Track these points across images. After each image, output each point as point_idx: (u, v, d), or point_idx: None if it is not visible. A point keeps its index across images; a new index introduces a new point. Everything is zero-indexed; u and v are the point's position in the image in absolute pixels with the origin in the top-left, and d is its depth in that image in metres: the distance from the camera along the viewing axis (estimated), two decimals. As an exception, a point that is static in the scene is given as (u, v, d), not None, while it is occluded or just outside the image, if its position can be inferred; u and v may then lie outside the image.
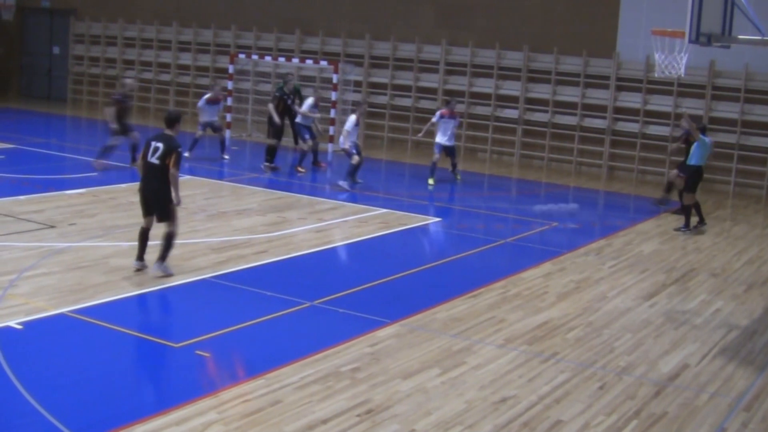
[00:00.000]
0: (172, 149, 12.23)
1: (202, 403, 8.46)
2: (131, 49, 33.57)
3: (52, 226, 14.90)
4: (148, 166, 12.38)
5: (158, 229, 12.61)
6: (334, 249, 15.07)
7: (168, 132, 12.50)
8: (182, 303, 11.85)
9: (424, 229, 17.03)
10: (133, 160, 20.39)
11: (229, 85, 27.89)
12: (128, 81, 21.86)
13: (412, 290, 12.91)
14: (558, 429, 8.46)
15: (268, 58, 28.40)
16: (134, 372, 9.37)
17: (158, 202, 12.45)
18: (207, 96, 23.29)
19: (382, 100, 28.36)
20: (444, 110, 21.84)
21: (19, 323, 10.29)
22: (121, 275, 12.41)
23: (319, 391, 8.92)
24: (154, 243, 12.57)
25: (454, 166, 21.90)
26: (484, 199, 20.40)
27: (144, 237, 12.58)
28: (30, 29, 36.93)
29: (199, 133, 23.00)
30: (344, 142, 20.00)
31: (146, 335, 10.25)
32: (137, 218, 13.37)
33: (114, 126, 20.35)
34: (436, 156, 21.51)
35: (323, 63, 27.26)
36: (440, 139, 21.52)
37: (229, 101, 27.78)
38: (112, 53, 34.02)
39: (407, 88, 27.97)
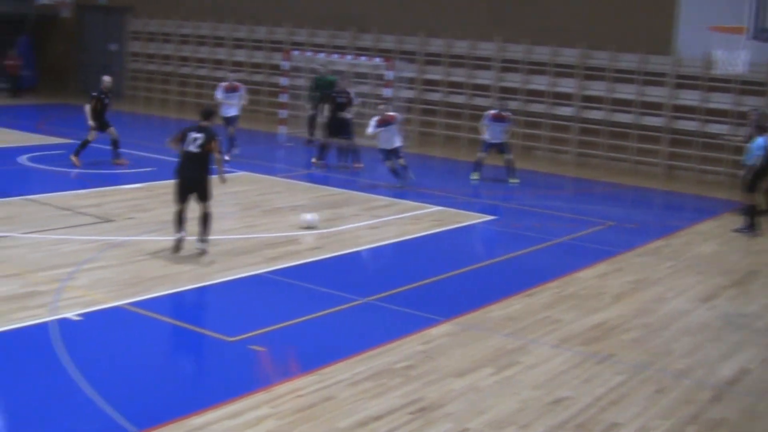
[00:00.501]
0: (212, 137, 13.28)
1: (255, 398, 8.46)
2: (187, 46, 33.80)
3: (110, 220, 15.03)
4: (188, 155, 13.29)
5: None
6: (387, 246, 15.02)
7: (204, 123, 13.50)
8: (237, 298, 11.88)
9: (478, 227, 16.93)
10: (116, 156, 20.87)
11: (284, 81, 27.97)
12: (106, 79, 22.00)
13: (465, 288, 12.83)
14: None
15: (321, 55, 28.42)
16: (189, 365, 9.41)
17: (200, 185, 13.32)
18: (224, 84, 23.51)
19: (437, 97, 28.26)
20: (493, 112, 21.70)
21: (77, 315, 10.39)
22: (176, 269, 12.48)
23: (372, 388, 8.88)
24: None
25: (509, 166, 21.67)
26: (539, 198, 20.20)
27: (180, 217, 13.32)
28: (87, 26, 37.34)
29: (231, 129, 22.94)
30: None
31: (201, 329, 10.29)
32: (193, 212, 13.42)
33: (91, 123, 20.60)
34: (483, 155, 21.38)
35: (377, 60, 27.23)
36: (488, 137, 21.41)
37: (285, 98, 27.87)
38: (167, 50, 34.28)
39: (461, 85, 27.84)
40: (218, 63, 33.05)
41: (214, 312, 11.17)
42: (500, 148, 21.55)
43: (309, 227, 15.23)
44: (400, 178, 19.94)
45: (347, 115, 22.19)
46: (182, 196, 13.32)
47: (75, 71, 37.73)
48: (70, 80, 37.65)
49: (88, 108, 20.81)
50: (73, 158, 20.24)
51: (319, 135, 23.28)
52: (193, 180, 13.28)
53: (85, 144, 20.52)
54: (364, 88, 28.53)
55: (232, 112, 23.14)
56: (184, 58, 33.83)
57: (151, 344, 9.90)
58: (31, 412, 8.05)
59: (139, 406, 8.22)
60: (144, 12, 34.91)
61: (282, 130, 27.97)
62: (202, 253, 13.17)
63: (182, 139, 13.35)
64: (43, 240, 13.63)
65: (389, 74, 26.39)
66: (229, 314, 11.09)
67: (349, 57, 28.06)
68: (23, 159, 20.64)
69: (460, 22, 27.80)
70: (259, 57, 31.95)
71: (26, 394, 8.42)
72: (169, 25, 34.18)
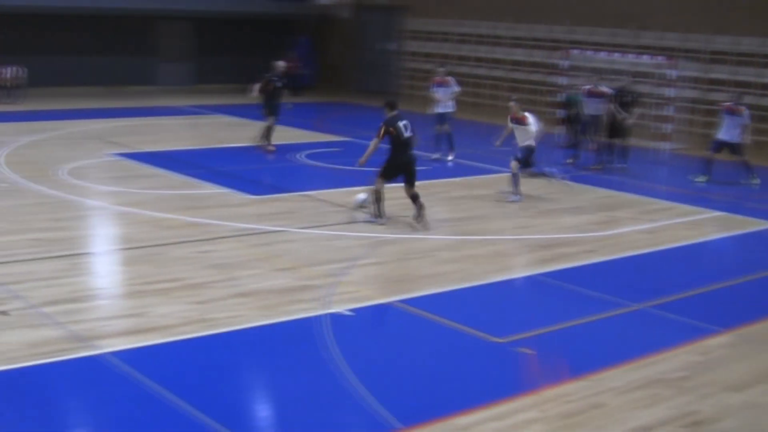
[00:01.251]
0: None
1: (522, 401, 8.40)
2: (464, 45, 34.09)
3: (384, 218, 15.32)
4: (407, 141, 14.74)
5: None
6: (665, 251, 14.51)
7: (393, 113, 14.93)
8: (507, 299, 11.85)
9: (764, 234, 16.09)
10: (267, 142, 21.80)
11: (562, 81, 27.71)
12: (279, 63, 22.50)
13: (749, 298, 12.21)
14: None
15: (602, 54, 27.93)
16: (457, 364, 9.43)
17: (415, 168, 14.90)
18: (436, 78, 23.41)
19: (722, 97, 27.15)
20: (728, 104, 20.52)
21: (350, 310, 10.67)
22: (447, 268, 12.60)
23: (644, 397, 8.62)
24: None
25: (745, 166, 20.32)
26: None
27: (381, 197, 14.89)
28: (365, 26, 38.34)
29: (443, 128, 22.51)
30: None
31: (469, 329, 10.31)
32: (468, 212, 13.55)
33: (264, 108, 21.81)
34: (711, 153, 20.32)
35: (660, 59, 26.49)
36: (720, 135, 20.37)
37: (562, 97, 27.58)
38: (445, 49, 34.70)
39: (749, 85, 26.60)
40: (496, 62, 33.15)
41: (484, 312, 11.16)
42: (732, 149, 20.32)
43: (361, 206, 15.25)
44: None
45: (627, 115, 21.64)
46: (393, 178, 14.89)
47: (353, 71, 38.86)
48: (347, 80, 38.82)
49: (256, 88, 22.12)
50: (263, 143, 21.62)
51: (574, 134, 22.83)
52: (413, 161, 14.94)
53: (267, 130, 21.83)
54: (646, 88, 27.82)
55: (443, 108, 22.61)
56: (462, 58, 34.12)
57: (419, 342, 10.03)
58: (300, 401, 8.32)
59: (405, 402, 8.33)
60: (422, 11, 35.48)
61: (559, 130, 27.70)
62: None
63: (398, 129, 14.61)
64: (319, 235, 14.10)
65: (672, 73, 25.61)
66: (498, 315, 11.06)
67: (630, 56, 27.43)
68: (301, 156, 21.44)
69: (748, 18, 26.56)
70: (537, 56, 31.81)
71: (297, 384, 8.72)
72: (446, 24, 34.59)
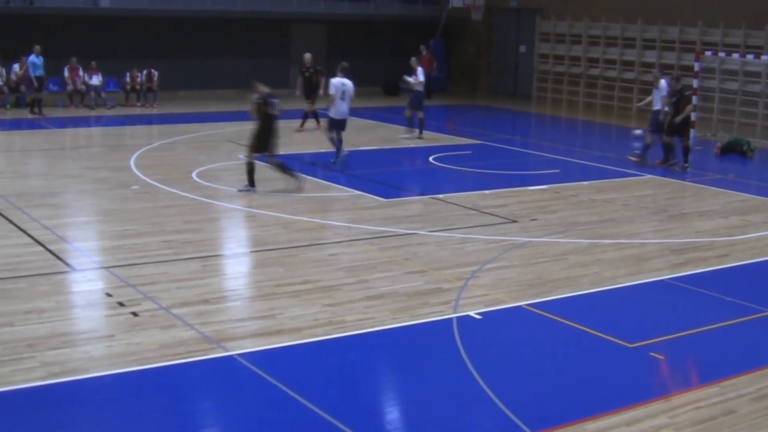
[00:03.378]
0: None
1: (653, 406, 8.35)
2: (595, 47, 33.81)
3: (514, 221, 15.38)
4: (274, 116, 17.07)
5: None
6: (801, 256, 14.22)
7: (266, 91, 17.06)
8: (638, 303, 11.76)
9: None
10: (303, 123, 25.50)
11: (696, 83, 27.25)
12: (306, 55, 25.59)
13: None
14: None
15: (736, 56, 27.38)
16: (586, 369, 9.42)
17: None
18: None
19: None
20: None
21: (478, 313, 10.74)
22: (579, 272, 12.57)
23: (777, 405, 8.51)
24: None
25: None
26: None
27: (253, 168, 17.09)
28: (498, 28, 38.34)
29: None
30: None
31: (600, 333, 10.27)
32: (599, 215, 13.42)
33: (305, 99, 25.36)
34: None
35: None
36: None
37: (696, 100, 27.10)
38: (576, 51, 34.46)
39: None
40: (627, 64, 32.79)
41: (615, 317, 11.10)
42: None
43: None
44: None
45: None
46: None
47: (485, 73, 38.88)
48: (480, 82, 38.88)
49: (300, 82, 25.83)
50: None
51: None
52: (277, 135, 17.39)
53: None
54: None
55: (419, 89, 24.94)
56: (593, 60, 33.86)
57: (549, 346, 10.03)
58: (429, 404, 8.42)
59: (534, 406, 8.36)
60: (553, 13, 35.32)
61: (692, 133, 27.21)
62: None
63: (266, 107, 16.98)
64: (449, 238, 14.20)
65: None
66: (629, 320, 10.98)
67: (765, 57, 26.79)
68: (432, 159, 21.59)
69: None
70: (669, 58, 31.32)
71: (426, 386, 8.82)
72: (578, 27, 34.35)
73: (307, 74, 25.46)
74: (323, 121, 22.61)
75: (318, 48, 35.37)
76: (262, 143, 17.07)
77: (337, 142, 20.46)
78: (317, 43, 36.18)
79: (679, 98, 21.17)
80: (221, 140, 23.43)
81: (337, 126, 20.52)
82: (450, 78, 38.60)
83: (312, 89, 25.36)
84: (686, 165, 21.09)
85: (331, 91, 20.34)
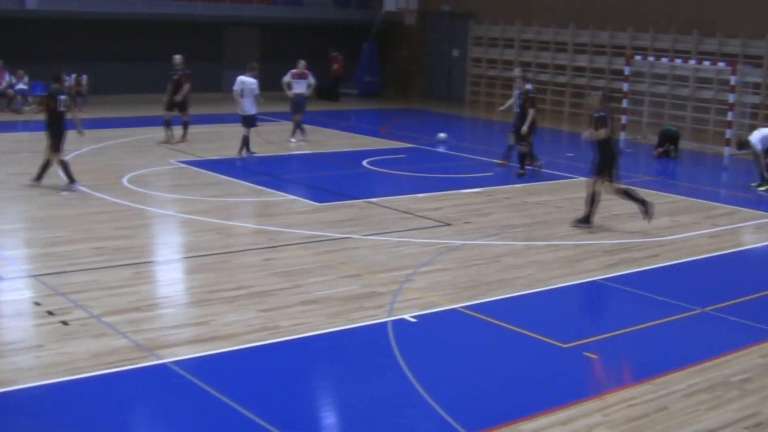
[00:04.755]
0: None
1: (587, 405, 8.43)
2: (528, 51, 34.09)
3: (449, 224, 15.43)
4: (62, 113, 17.22)
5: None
6: (728, 255, 14.42)
7: (56, 86, 17.39)
8: (571, 304, 11.87)
9: (830, 238, 15.93)
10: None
11: (626, 87, 27.61)
12: (176, 57, 24.00)
13: (812, 301, 12.14)
14: None
15: (665, 60, 27.78)
16: (521, 369, 9.48)
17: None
18: (293, 71, 24.36)
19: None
20: None
21: (413, 317, 10.74)
22: (513, 274, 12.64)
23: (707, 400, 8.62)
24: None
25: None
26: None
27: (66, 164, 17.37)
28: (431, 32, 38.48)
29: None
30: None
31: (535, 334, 10.34)
32: (532, 218, 13.44)
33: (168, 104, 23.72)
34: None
35: (721, 64, 26.25)
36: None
37: (626, 103, 27.49)
38: (509, 55, 34.71)
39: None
40: (559, 68, 33.10)
41: (549, 318, 11.18)
42: None
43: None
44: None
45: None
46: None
47: (418, 77, 39.00)
48: (413, 86, 38.98)
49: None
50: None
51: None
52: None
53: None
54: (708, 94, 27.69)
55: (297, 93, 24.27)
56: (526, 63, 34.11)
57: (484, 348, 10.07)
58: (365, 408, 8.40)
59: (470, 408, 8.39)
60: (486, 17, 35.54)
61: (623, 135, 27.58)
62: None
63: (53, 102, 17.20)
64: (384, 242, 14.20)
65: (733, 79, 25.38)
66: (563, 320, 11.08)
67: (692, 61, 27.22)
68: (365, 163, 21.59)
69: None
70: (600, 62, 31.68)
71: (363, 391, 8.80)
72: (510, 31, 34.60)
73: (175, 77, 23.80)
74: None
75: (251, 52, 35.23)
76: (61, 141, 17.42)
77: (244, 138, 21.50)
78: (250, 46, 36.03)
79: (523, 100, 20.50)
80: (152, 145, 23.17)
81: (242, 122, 21.61)
82: (383, 82, 38.66)
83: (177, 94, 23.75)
84: (522, 171, 20.36)
85: (234, 88, 21.76)
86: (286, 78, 24.15)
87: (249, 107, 21.56)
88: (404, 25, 37.61)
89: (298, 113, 24.26)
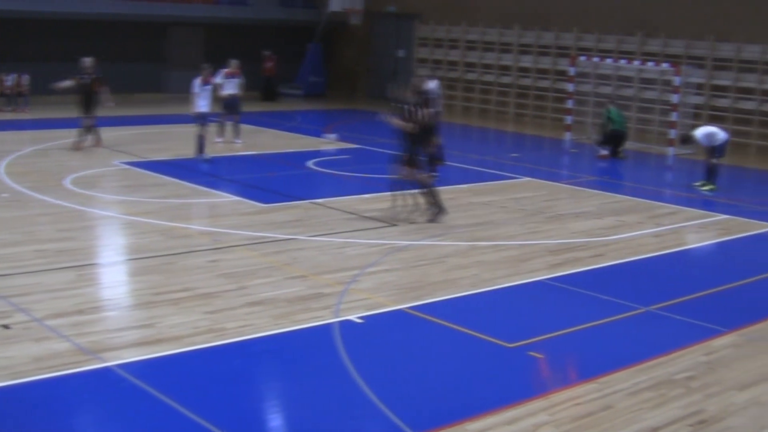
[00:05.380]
0: None
1: (533, 404, 8.48)
2: (473, 52, 34.22)
3: (394, 224, 15.44)
4: None
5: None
6: (672, 254, 14.61)
7: None
8: (517, 304, 11.92)
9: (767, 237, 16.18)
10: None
11: (570, 87, 27.83)
12: (85, 60, 23.11)
13: (753, 299, 12.31)
14: None
15: (609, 60, 28.06)
16: (467, 370, 9.50)
17: None
18: (225, 70, 24.19)
19: (725, 103, 27.23)
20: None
21: (359, 317, 10.74)
22: (458, 274, 12.68)
23: (652, 398, 8.72)
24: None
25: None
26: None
27: None
28: (376, 33, 38.48)
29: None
30: None
31: (480, 334, 10.38)
32: (477, 218, 13.48)
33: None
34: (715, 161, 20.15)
35: (665, 65, 26.58)
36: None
37: (571, 103, 27.71)
38: (454, 56, 34.82)
39: (752, 91, 26.66)
40: (504, 69, 33.28)
41: (494, 317, 11.24)
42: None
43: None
44: None
45: None
46: None
47: (363, 77, 38.99)
48: (358, 86, 38.97)
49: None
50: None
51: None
52: None
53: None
54: (651, 94, 27.99)
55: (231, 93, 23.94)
56: (471, 64, 34.25)
57: (430, 348, 10.09)
58: (311, 410, 8.37)
59: (416, 408, 8.40)
60: (431, 18, 35.61)
61: (568, 136, 27.82)
62: None
63: None
64: (329, 243, 14.18)
65: (677, 80, 25.71)
66: (508, 320, 11.14)
67: (636, 62, 27.54)
68: (310, 163, 21.54)
69: (752, 26, 26.63)
70: (545, 62, 31.92)
71: (309, 392, 8.76)
72: (455, 32, 34.71)
73: (87, 80, 22.81)
74: None
75: (195, 52, 35.00)
76: None
77: (199, 138, 21.23)
78: (195, 46, 35.76)
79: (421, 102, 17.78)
80: (95, 146, 22.90)
81: (195, 120, 21.46)
82: (328, 82, 38.60)
83: (91, 99, 22.71)
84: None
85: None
86: (218, 79, 23.81)
87: (203, 105, 21.35)
88: (350, 25, 37.57)
89: (236, 114, 24.08)
